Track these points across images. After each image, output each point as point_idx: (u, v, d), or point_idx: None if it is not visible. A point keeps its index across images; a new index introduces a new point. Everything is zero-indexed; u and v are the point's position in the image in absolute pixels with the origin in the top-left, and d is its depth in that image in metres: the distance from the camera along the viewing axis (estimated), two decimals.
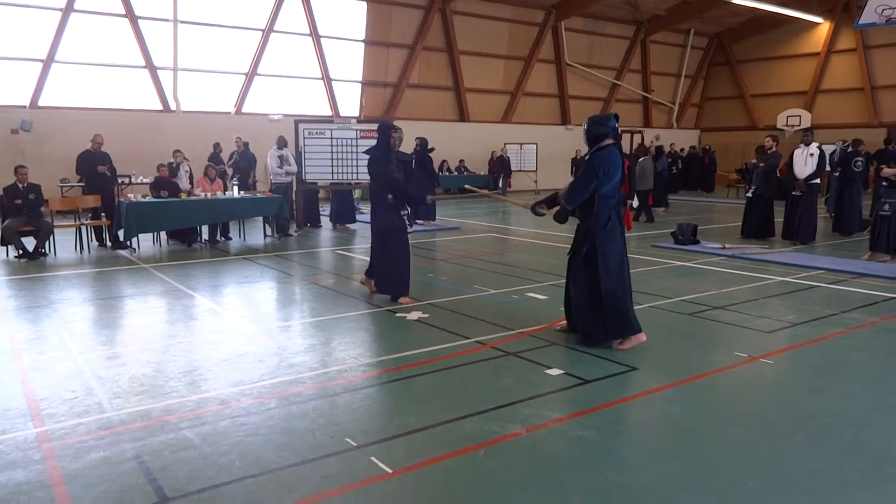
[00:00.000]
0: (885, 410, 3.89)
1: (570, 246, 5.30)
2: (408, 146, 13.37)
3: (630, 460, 3.26)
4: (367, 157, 6.67)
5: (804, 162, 10.55)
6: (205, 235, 10.95)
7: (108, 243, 10.31)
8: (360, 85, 20.62)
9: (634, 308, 5.13)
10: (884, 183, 8.92)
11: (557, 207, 5.19)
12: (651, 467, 3.18)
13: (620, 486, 3.00)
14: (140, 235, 10.14)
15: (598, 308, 4.90)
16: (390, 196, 6.48)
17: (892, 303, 6.59)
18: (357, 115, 20.23)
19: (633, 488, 2.97)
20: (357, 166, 12.07)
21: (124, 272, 8.31)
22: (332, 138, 12.05)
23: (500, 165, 21.33)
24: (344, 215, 12.96)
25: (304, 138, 12.03)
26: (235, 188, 11.18)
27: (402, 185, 6.69)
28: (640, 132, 26.93)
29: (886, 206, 8.68)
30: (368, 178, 6.84)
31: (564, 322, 5.49)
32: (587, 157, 5.04)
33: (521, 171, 22.03)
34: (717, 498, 2.89)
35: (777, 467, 3.18)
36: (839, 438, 3.50)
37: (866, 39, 23.78)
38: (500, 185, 21.02)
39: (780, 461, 3.24)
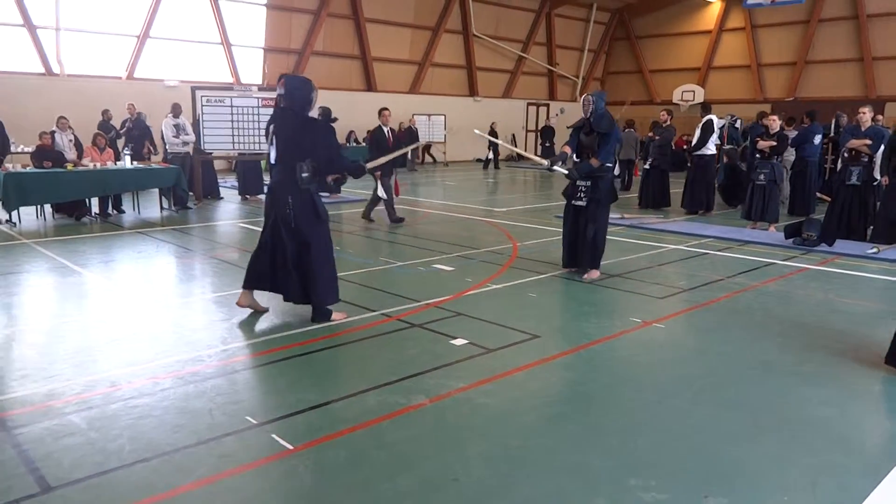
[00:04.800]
0: (761, 367, 4.18)
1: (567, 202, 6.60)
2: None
3: (530, 425, 3.36)
4: (296, 120, 4.82)
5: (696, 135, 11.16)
6: (95, 209, 10.32)
7: None
8: (262, 51, 19.85)
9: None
10: (757, 154, 9.53)
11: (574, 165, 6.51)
12: (549, 431, 3.29)
13: (520, 450, 3.08)
14: (22, 209, 9.43)
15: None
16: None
17: (771, 267, 7.08)
18: (259, 82, 19.50)
19: (532, 452, 3.07)
20: (259, 136, 11.68)
21: (2, 248, 7.71)
22: (232, 106, 11.57)
23: (407, 136, 21.16)
24: (252, 186, 12.57)
25: (203, 106, 11.49)
26: (128, 158, 10.56)
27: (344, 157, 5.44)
28: (546, 105, 27.48)
29: (762, 176, 9.31)
30: (301, 147, 4.77)
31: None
32: (602, 128, 6.29)
33: (429, 142, 21.97)
34: (610, 457, 3.03)
35: (665, 425, 3.36)
36: (721, 395, 3.74)
37: (754, 19, 25.09)
38: (409, 156, 20.91)
39: (668, 419, 3.43)
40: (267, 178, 13.81)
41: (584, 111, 6.40)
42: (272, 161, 4.89)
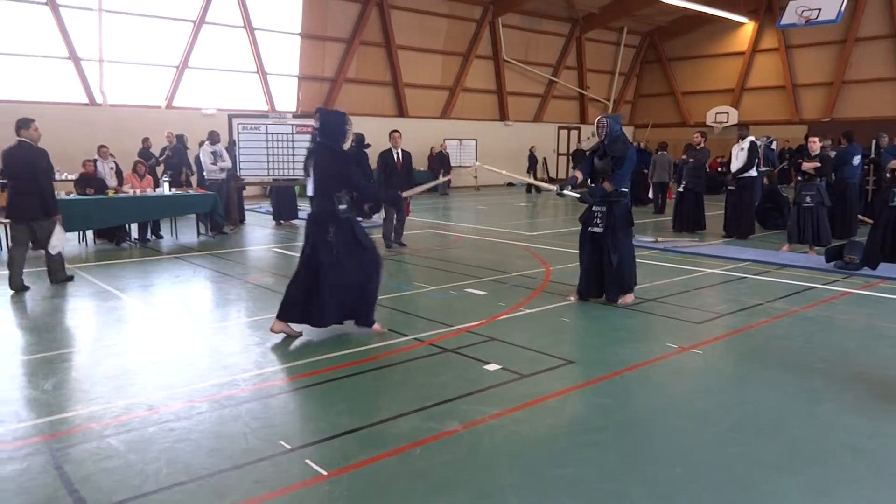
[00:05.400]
0: (802, 395, 4.07)
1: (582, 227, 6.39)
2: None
3: (564, 453, 3.31)
4: (330, 153, 5.12)
5: (736, 157, 10.96)
6: (134, 234, 10.58)
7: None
8: (296, 79, 20.28)
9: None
10: (799, 177, 9.33)
11: (586, 189, 6.34)
12: (584, 459, 3.24)
13: (554, 478, 3.04)
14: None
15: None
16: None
17: (812, 292, 6.91)
18: (294, 109, 19.89)
19: (566, 480, 3.02)
20: (293, 162, 11.89)
21: (46, 273, 7.92)
22: (267, 133, 11.82)
23: (439, 161, 21.35)
24: (286, 211, 12.78)
25: (239, 133, 11.76)
26: (167, 185, 10.83)
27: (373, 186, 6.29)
28: (577, 128, 27.48)
29: (808, 198, 9.09)
30: (335, 178, 5.08)
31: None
32: (616, 152, 6.13)
33: (460, 166, 22.10)
34: (647, 486, 2.97)
35: (703, 453, 3.29)
36: (761, 424, 3.64)
37: (788, 39, 24.84)
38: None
39: (706, 447, 3.35)
40: (301, 204, 14.08)
41: (598, 134, 6.25)
42: (310, 192, 5.13)
